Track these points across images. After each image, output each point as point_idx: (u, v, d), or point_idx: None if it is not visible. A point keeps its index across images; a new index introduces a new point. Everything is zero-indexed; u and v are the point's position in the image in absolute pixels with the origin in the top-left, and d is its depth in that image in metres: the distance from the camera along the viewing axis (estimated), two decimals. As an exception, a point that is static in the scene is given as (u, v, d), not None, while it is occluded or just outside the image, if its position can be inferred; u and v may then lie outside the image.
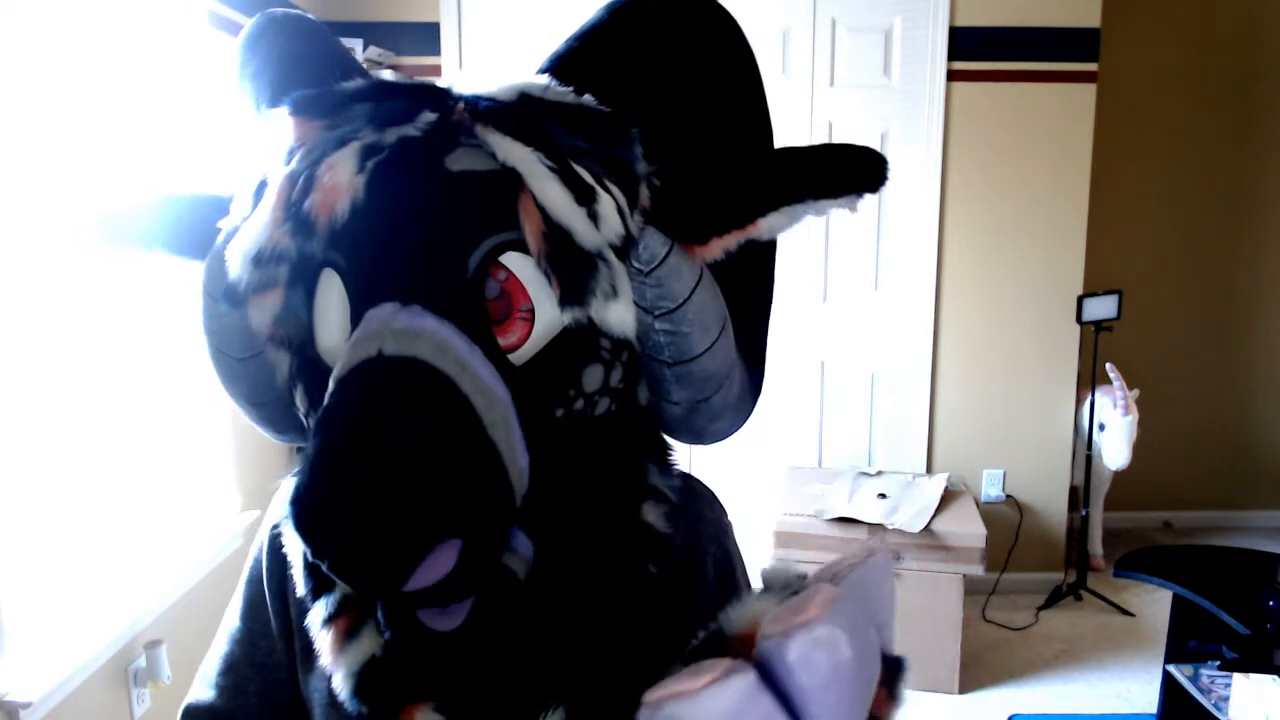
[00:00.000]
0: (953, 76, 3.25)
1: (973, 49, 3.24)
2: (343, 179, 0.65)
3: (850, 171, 0.69)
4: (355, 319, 0.65)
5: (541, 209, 0.64)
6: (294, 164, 0.67)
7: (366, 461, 0.57)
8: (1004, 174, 3.32)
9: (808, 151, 0.71)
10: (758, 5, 3.21)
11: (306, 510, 0.58)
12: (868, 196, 0.69)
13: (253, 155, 0.79)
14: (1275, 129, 4.04)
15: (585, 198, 0.65)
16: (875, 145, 3.15)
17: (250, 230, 0.67)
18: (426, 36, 3.21)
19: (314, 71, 0.76)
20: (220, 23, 2.40)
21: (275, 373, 0.74)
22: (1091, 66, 3.27)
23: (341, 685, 0.69)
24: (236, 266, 0.68)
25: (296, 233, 0.66)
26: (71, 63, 1.85)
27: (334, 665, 0.70)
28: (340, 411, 0.60)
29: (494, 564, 0.65)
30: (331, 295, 0.67)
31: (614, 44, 0.74)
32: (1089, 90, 3.28)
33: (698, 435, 0.79)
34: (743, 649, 0.51)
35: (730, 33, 0.77)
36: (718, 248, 0.70)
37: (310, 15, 0.83)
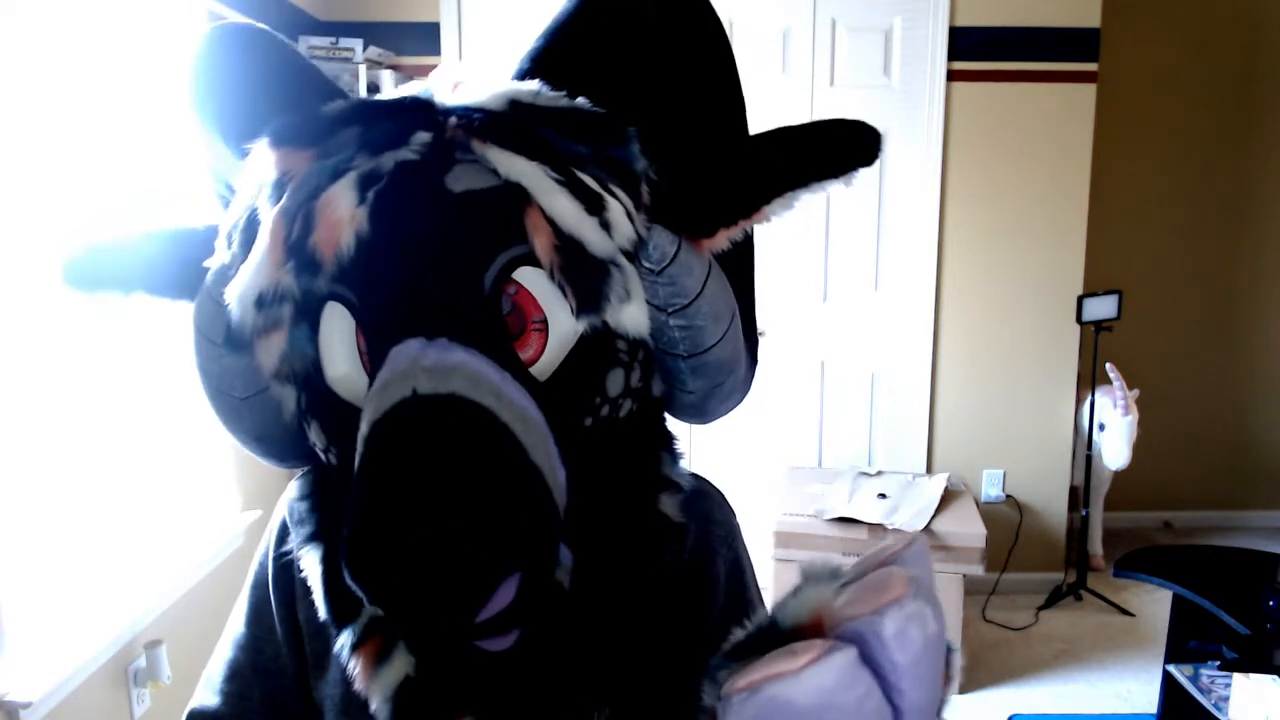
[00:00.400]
0: (953, 76, 3.25)
1: (973, 49, 3.24)
2: (344, 212, 0.63)
3: (846, 148, 0.69)
4: (374, 354, 0.64)
5: (551, 222, 0.63)
6: (286, 199, 0.65)
7: (422, 508, 0.56)
8: (1004, 174, 3.32)
9: (801, 132, 0.71)
10: (758, 5, 3.21)
11: (366, 561, 0.57)
12: (863, 171, 0.69)
13: (215, 185, 0.77)
14: (1275, 129, 4.04)
15: (595, 206, 0.64)
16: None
17: (248, 272, 0.65)
18: (426, 36, 3.21)
19: (285, 92, 0.73)
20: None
21: (280, 408, 0.72)
22: (1091, 66, 3.27)
23: (380, 710, 0.68)
24: (238, 310, 0.66)
25: (300, 272, 0.64)
26: (71, 63, 1.85)
27: (368, 690, 0.69)
28: (384, 459, 0.59)
29: (549, 587, 0.65)
30: (336, 326, 0.66)
31: (589, 36, 0.72)
32: (1089, 90, 3.28)
33: (706, 416, 0.80)
34: (806, 638, 0.51)
35: (703, 12, 0.75)
36: (724, 239, 0.70)
37: (263, 25, 0.77)
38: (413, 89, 0.71)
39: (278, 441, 0.76)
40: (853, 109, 3.27)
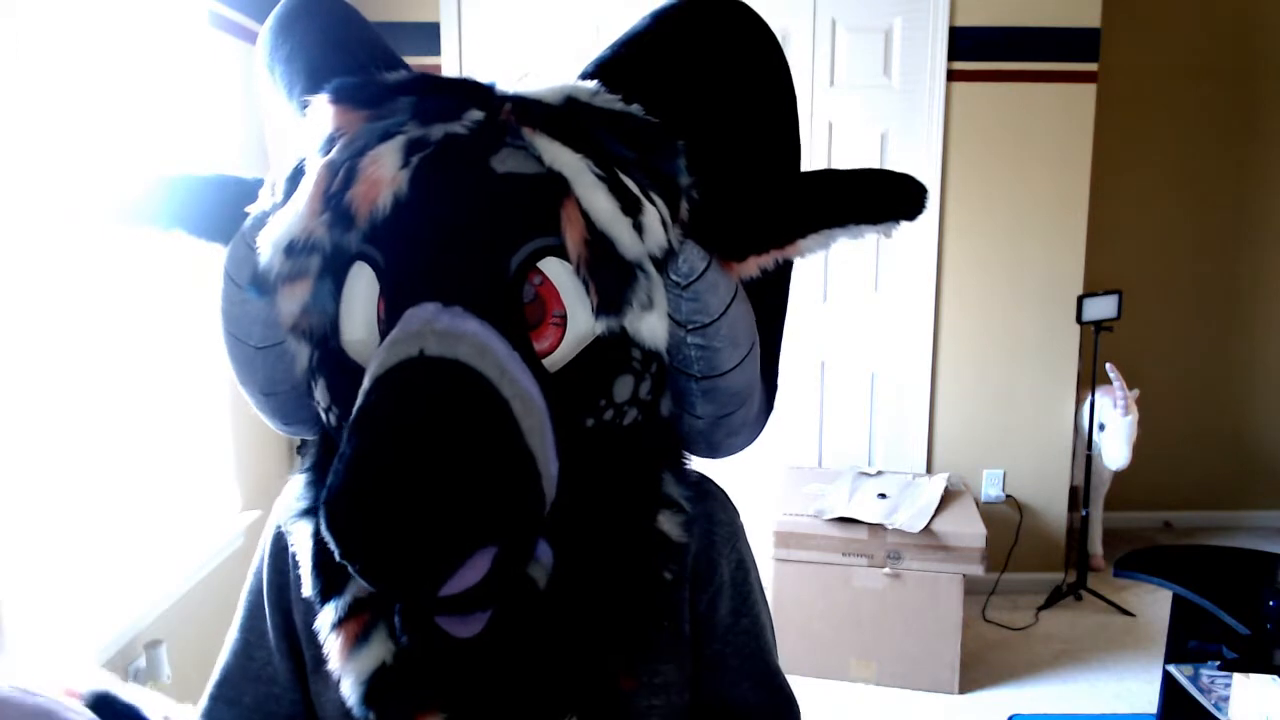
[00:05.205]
0: (953, 76, 3.25)
1: (973, 49, 3.24)
2: (386, 172, 0.64)
3: (891, 198, 0.69)
4: (391, 315, 0.65)
5: (586, 216, 0.63)
6: (334, 153, 0.66)
7: (407, 465, 0.57)
8: (1004, 174, 3.32)
9: (849, 175, 0.71)
10: (758, 6, 3.20)
11: (342, 512, 0.57)
12: (904, 224, 0.69)
13: (283, 139, 0.78)
14: (1275, 129, 4.04)
15: (631, 208, 0.64)
16: (875, 145, 3.13)
17: (284, 219, 0.67)
18: (426, 36, 3.21)
19: (352, 58, 0.75)
20: (220, 23, 2.40)
21: (293, 363, 0.73)
22: (1091, 66, 3.27)
23: (350, 692, 0.68)
24: (268, 254, 0.67)
25: (334, 224, 0.65)
26: (72, 63, 1.84)
27: (343, 671, 0.69)
28: (380, 412, 0.59)
29: (521, 573, 0.65)
30: (360, 288, 0.67)
31: (658, 52, 0.73)
32: (1089, 90, 3.28)
33: (714, 449, 0.79)
34: None
35: (772, 48, 0.77)
36: (754, 265, 0.70)
37: None
38: (477, 76, 0.73)
39: (285, 399, 0.77)
40: (853, 109, 3.27)
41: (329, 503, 0.58)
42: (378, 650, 0.69)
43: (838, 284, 3.40)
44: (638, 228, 0.64)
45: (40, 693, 0.61)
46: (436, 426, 0.58)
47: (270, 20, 0.80)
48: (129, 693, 0.69)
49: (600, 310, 0.64)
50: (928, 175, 3.29)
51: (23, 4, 1.71)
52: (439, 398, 0.59)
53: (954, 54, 3.23)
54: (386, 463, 0.57)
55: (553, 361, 0.65)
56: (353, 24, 0.79)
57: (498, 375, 0.61)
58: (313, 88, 0.72)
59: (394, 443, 0.57)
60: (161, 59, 2.16)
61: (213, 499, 2.39)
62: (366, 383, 0.62)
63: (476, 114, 0.67)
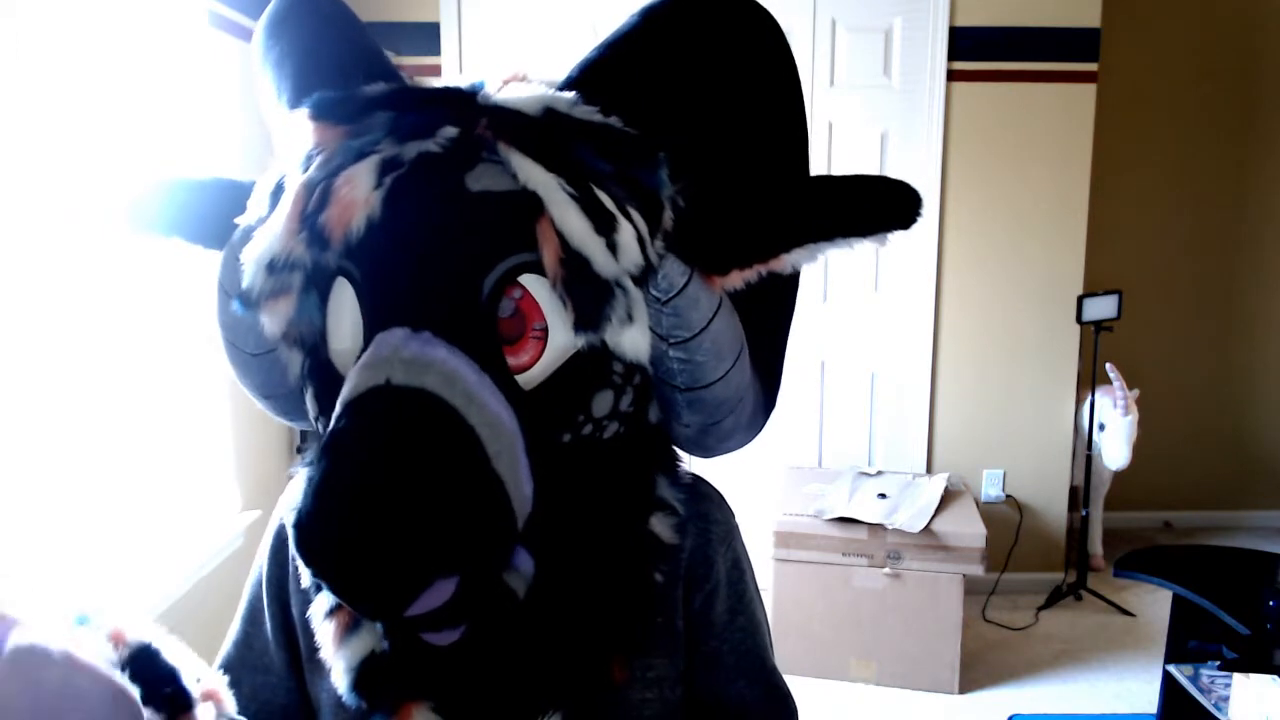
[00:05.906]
0: (953, 76, 3.25)
1: (973, 49, 3.24)
2: (360, 194, 0.65)
3: (882, 208, 0.68)
4: (367, 334, 0.65)
5: (560, 235, 0.63)
6: (311, 171, 0.67)
7: (370, 495, 0.57)
8: (1004, 174, 3.32)
9: (839, 183, 0.70)
10: (758, 5, 3.20)
11: (309, 536, 0.58)
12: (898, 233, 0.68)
13: (272, 143, 0.78)
14: (1275, 129, 4.04)
15: (605, 227, 0.64)
16: (875, 145, 3.11)
17: (264, 237, 0.67)
18: (426, 36, 3.21)
19: (338, 63, 0.75)
20: (220, 23, 2.40)
21: (288, 369, 0.74)
22: (1091, 66, 3.27)
23: (341, 679, 0.70)
24: (250, 272, 0.67)
25: (311, 244, 0.65)
26: (72, 63, 1.84)
27: (334, 658, 0.70)
28: (347, 439, 0.60)
29: (492, 592, 0.65)
30: (345, 301, 0.67)
31: (646, 53, 0.72)
32: (1089, 90, 3.28)
33: (708, 451, 0.79)
34: None
35: (770, 43, 0.74)
36: (738, 279, 0.69)
37: None
38: (463, 79, 0.72)
39: (284, 401, 0.78)
40: (852, 109, 3.27)
41: (297, 525, 0.59)
42: (367, 639, 0.70)
43: (838, 284, 3.40)
44: (611, 247, 0.64)
45: (100, 667, 0.60)
46: (399, 458, 0.59)
47: (262, 20, 0.81)
48: (173, 653, 0.69)
49: (578, 326, 0.64)
50: (928, 175, 3.30)
51: (22, 4, 1.71)
52: (403, 428, 0.60)
53: (954, 54, 3.23)
54: (350, 491, 0.58)
55: (532, 376, 0.65)
56: (342, 24, 0.79)
57: (464, 403, 0.61)
58: (297, 96, 0.72)
59: (357, 471, 0.58)
60: (161, 59, 2.16)
61: (213, 499, 2.39)
62: (337, 408, 0.62)
63: (450, 130, 0.66)
